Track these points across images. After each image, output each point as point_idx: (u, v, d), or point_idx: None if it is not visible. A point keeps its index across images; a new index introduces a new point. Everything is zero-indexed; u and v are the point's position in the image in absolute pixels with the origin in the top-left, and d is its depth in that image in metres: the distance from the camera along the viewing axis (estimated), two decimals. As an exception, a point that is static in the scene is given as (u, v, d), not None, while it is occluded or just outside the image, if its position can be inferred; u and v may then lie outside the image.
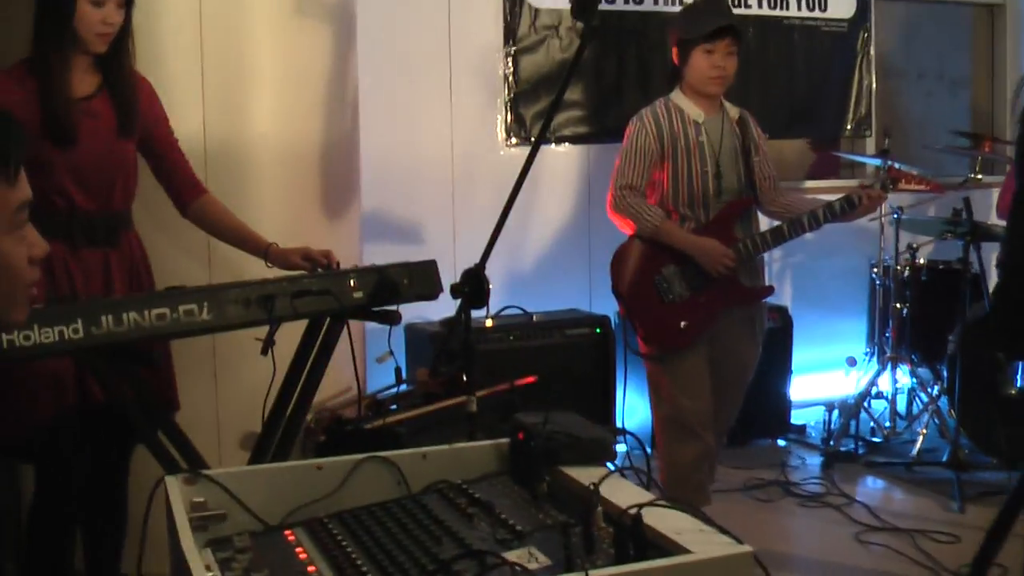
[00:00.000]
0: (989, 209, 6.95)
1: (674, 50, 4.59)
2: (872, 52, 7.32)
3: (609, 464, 2.27)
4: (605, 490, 2.07)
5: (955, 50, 8.48)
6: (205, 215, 3.81)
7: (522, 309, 5.67)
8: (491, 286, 3.18)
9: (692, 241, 4.46)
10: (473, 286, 3.15)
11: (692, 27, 4.51)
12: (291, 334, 3.58)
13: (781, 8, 6.93)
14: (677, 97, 4.60)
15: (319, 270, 3.59)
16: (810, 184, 7.20)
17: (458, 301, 3.20)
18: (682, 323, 4.48)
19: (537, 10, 6.22)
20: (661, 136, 4.49)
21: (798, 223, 4.49)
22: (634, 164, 4.49)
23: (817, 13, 7.04)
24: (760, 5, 6.84)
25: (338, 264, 3.68)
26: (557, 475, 2.24)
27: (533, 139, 6.11)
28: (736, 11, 6.71)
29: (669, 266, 4.50)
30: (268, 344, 3.29)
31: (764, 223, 4.75)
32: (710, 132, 4.54)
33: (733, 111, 4.66)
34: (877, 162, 6.10)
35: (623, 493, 2.08)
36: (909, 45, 8.71)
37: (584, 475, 2.19)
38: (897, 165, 5.29)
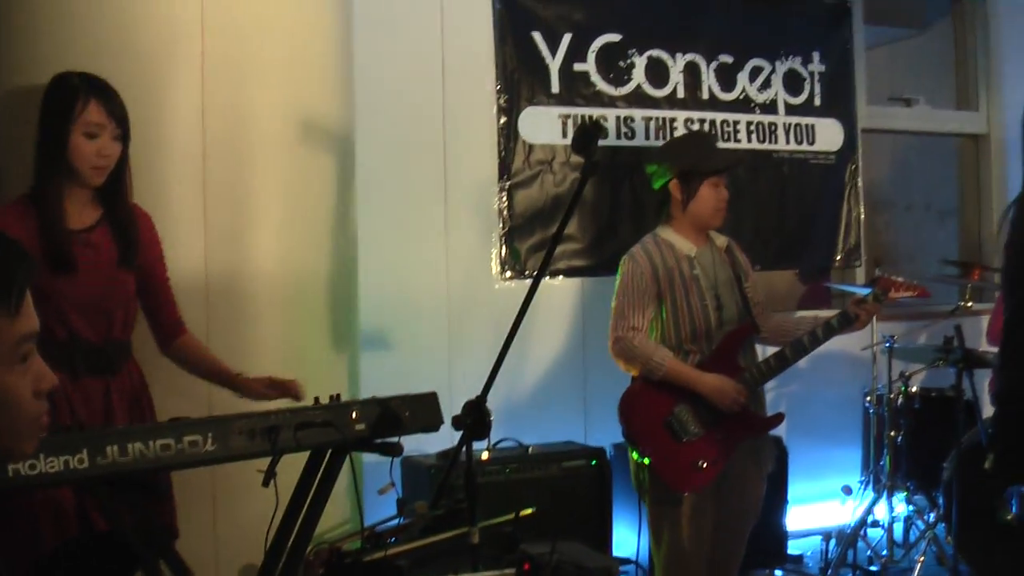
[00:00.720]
0: (980, 336, 7.01)
1: (674, 183, 4.56)
2: (860, 183, 7.43)
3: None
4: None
5: (942, 180, 8.62)
6: (184, 353, 3.89)
7: (518, 441, 5.69)
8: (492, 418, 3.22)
9: (704, 381, 4.41)
10: (475, 418, 3.19)
11: (702, 161, 4.53)
12: (291, 465, 3.59)
13: (770, 142, 7.05)
14: (665, 232, 4.59)
15: (318, 400, 3.61)
16: (801, 314, 7.25)
17: (458, 433, 3.23)
18: (701, 463, 4.39)
19: (531, 145, 6.32)
20: (656, 273, 4.47)
21: (799, 345, 4.48)
22: (634, 305, 4.46)
23: (805, 146, 7.15)
24: (750, 139, 6.95)
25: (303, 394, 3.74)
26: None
27: (527, 273, 6.20)
28: (726, 145, 6.85)
29: (679, 405, 4.44)
30: (270, 475, 3.30)
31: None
32: (704, 265, 4.54)
33: (720, 240, 4.68)
34: (867, 291, 6.16)
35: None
36: (897, 177, 8.87)
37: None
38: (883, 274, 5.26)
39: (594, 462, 5.66)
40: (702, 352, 4.49)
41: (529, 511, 4.73)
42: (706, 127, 6.81)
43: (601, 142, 6.30)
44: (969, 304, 6.46)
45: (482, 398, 3.20)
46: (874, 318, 6.43)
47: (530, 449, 5.71)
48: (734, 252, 4.70)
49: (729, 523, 4.57)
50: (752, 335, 4.64)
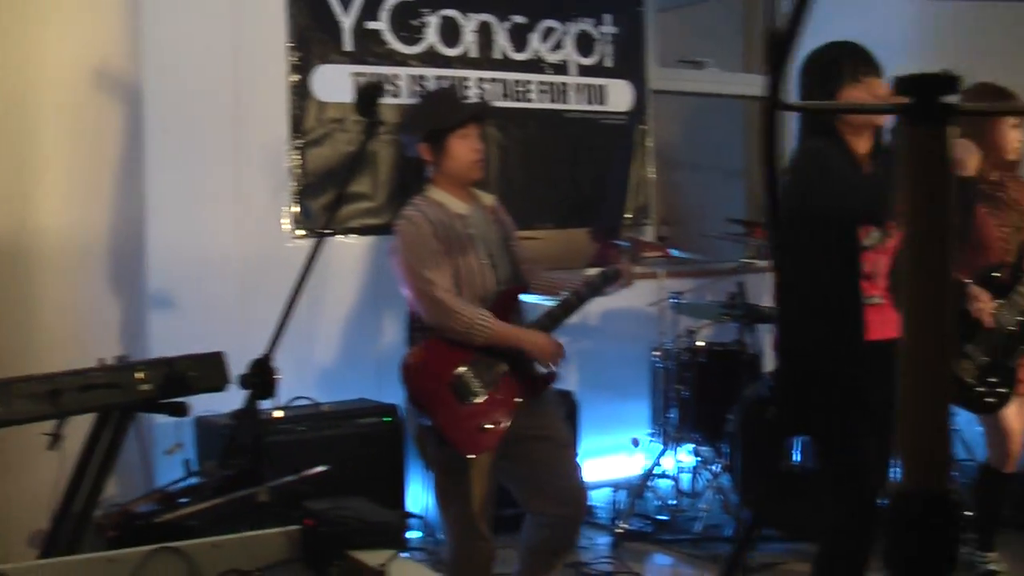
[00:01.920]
0: (763, 292, 7.24)
1: (423, 147, 4.46)
2: (650, 144, 7.58)
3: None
4: (394, 573, 2.11)
5: (731, 142, 8.84)
6: None
7: (312, 399, 5.68)
8: (280, 376, 3.21)
9: (529, 339, 4.41)
10: (261, 376, 3.18)
11: (442, 117, 4.46)
12: (79, 428, 3.54)
13: (562, 102, 7.13)
14: (434, 193, 4.49)
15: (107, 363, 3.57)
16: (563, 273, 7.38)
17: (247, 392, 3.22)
18: (486, 424, 4.33)
19: (324, 104, 6.28)
20: (436, 231, 4.36)
21: (578, 293, 4.53)
22: (430, 265, 4.33)
23: (597, 107, 7.27)
24: (541, 100, 7.03)
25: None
26: (347, 560, 2.27)
27: (320, 231, 6.18)
28: (517, 105, 6.92)
29: (463, 366, 4.36)
30: (56, 438, 3.26)
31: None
32: (477, 224, 4.49)
33: (487, 199, 4.63)
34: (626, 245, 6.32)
35: None
36: (687, 137, 9.06)
37: (373, 559, 2.23)
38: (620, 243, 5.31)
39: (387, 419, 5.69)
40: None
41: (320, 468, 4.75)
42: (498, 87, 6.87)
43: (394, 100, 6.40)
44: (753, 261, 6.67)
45: (268, 356, 3.19)
46: (664, 275, 6.63)
47: (324, 407, 5.71)
48: (500, 211, 4.68)
49: (549, 465, 4.48)
50: (520, 293, 4.61)
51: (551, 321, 4.53)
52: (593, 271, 4.55)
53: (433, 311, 4.32)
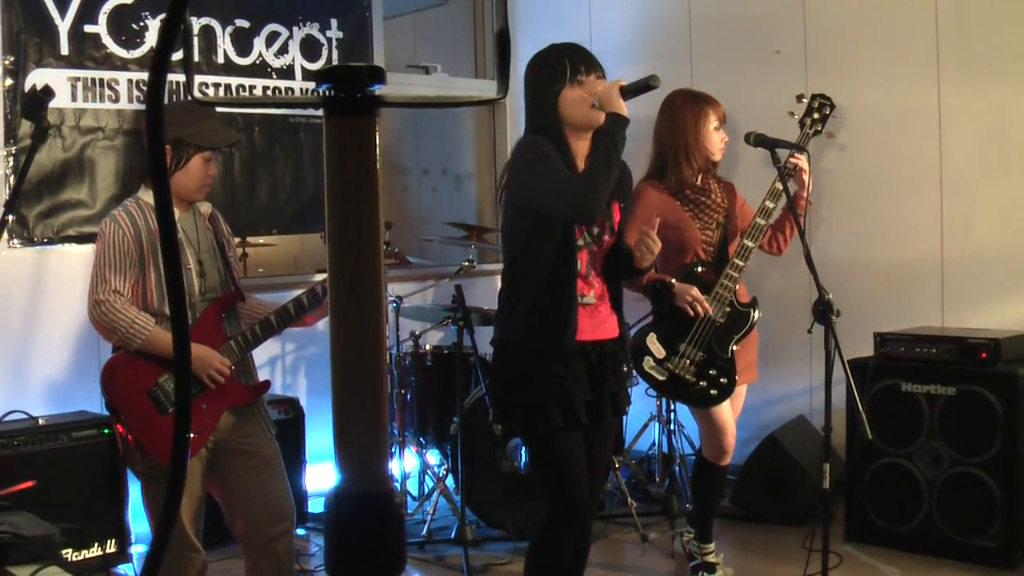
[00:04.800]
0: (484, 295, 7.36)
1: (167, 148, 4.28)
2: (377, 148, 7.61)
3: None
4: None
5: (460, 146, 8.96)
6: None
7: (27, 413, 5.53)
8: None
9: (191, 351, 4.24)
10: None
11: (201, 135, 4.35)
12: None
13: (286, 107, 7.12)
14: (147, 195, 4.40)
15: None
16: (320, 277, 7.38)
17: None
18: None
19: (38, 108, 6.12)
20: (139, 236, 4.27)
21: (284, 312, 4.45)
22: (115, 267, 4.25)
23: (322, 112, 7.24)
24: (264, 104, 7.00)
25: None
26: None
27: (36, 240, 6.04)
28: (243, 111, 6.88)
29: (164, 375, 4.28)
30: None
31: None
32: (187, 229, 4.40)
33: (204, 207, 4.54)
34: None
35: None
36: (415, 142, 9.14)
37: (24, 572, 2.19)
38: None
39: (106, 431, 5.58)
40: None
41: (28, 484, 4.62)
42: (221, 91, 6.81)
43: (113, 106, 6.28)
44: (472, 264, 6.77)
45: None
46: (385, 280, 6.64)
47: (40, 420, 5.57)
48: (218, 220, 4.60)
49: (252, 484, 4.42)
50: (236, 303, 4.55)
51: (265, 330, 4.47)
52: (303, 291, 4.50)
53: (95, 311, 4.26)
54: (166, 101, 5.86)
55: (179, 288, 1.18)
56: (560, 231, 4.09)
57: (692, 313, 5.04)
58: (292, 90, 7.13)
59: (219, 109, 6.59)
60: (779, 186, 4.99)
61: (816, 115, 5.26)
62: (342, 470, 1.35)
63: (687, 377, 5.11)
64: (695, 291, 5.04)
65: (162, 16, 6.46)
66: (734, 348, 5.14)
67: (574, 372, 4.11)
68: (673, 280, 5.06)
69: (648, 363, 5.15)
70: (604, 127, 4.06)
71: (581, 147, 4.19)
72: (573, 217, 4.06)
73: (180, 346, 1.21)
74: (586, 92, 4.12)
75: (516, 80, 8.29)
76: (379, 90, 1.33)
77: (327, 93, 1.32)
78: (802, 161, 5.10)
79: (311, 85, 6.01)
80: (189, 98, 5.84)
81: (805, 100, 5.31)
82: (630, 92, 4.09)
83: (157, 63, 1.12)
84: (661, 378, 5.15)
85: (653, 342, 5.15)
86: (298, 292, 4.55)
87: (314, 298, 4.46)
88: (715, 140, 5.21)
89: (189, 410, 1.24)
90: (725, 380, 5.13)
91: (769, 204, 5.07)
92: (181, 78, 6.36)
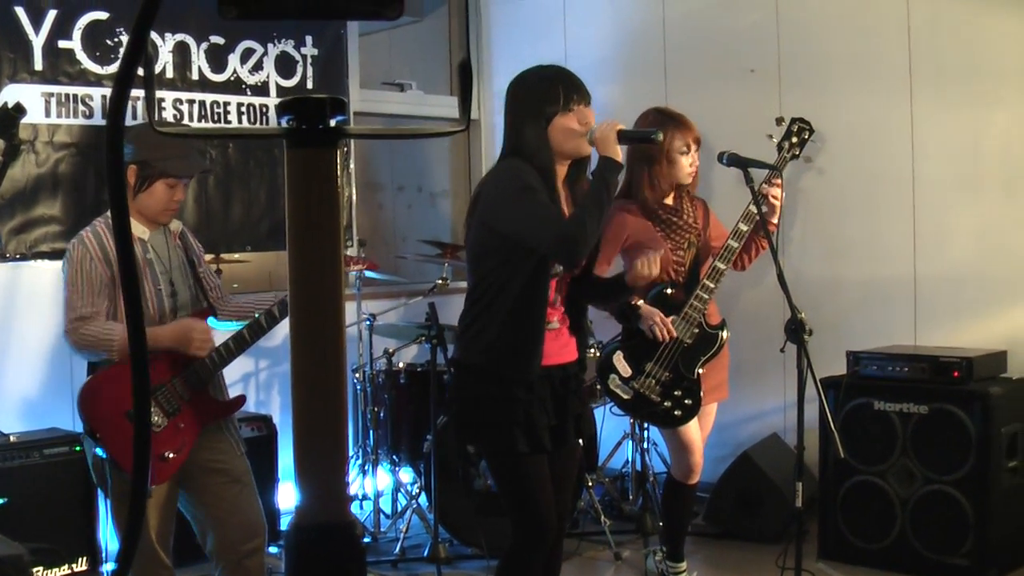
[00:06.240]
0: (459, 312, 7.33)
1: (132, 168, 4.27)
2: (351, 165, 7.63)
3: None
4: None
5: (435, 163, 8.96)
6: None
7: (-1, 431, 5.52)
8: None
9: (164, 333, 4.25)
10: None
11: (169, 161, 4.30)
12: None
13: (262, 123, 7.11)
14: None
15: None
16: (260, 295, 7.37)
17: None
18: (167, 453, 4.24)
19: (11, 124, 6.10)
20: (107, 257, 4.24)
21: (256, 326, 4.43)
22: (82, 292, 4.22)
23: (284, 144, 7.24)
24: (240, 121, 6.98)
25: None
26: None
27: (8, 256, 6.02)
28: (215, 124, 6.87)
29: None
30: None
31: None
32: (157, 248, 4.40)
33: (173, 225, 4.53)
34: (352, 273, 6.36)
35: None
36: (390, 159, 9.14)
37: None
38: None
39: (78, 448, 5.56)
40: None
41: (-1, 501, 4.60)
42: (195, 108, 6.80)
43: (87, 121, 6.26)
44: (446, 282, 6.77)
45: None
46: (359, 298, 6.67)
47: (11, 437, 5.54)
48: (187, 237, 4.61)
49: (220, 503, 4.40)
50: (208, 318, 4.50)
51: (239, 344, 4.44)
52: (272, 304, 4.49)
53: (70, 339, 4.27)
54: (137, 122, 5.88)
55: (137, 310, 1.19)
56: (535, 260, 4.04)
57: (652, 337, 5.04)
58: (267, 107, 7.12)
59: (195, 125, 6.63)
60: (753, 210, 4.98)
61: (795, 139, 5.28)
62: (303, 500, 1.35)
63: (652, 397, 5.12)
64: (659, 316, 5.04)
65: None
66: (700, 371, 5.14)
67: (538, 396, 4.09)
68: (640, 302, 5.06)
69: (614, 381, 5.15)
70: (597, 171, 4.02)
71: (559, 171, 4.17)
72: (558, 257, 4.03)
73: (138, 369, 1.21)
74: (577, 121, 4.07)
75: (490, 99, 8.38)
76: (341, 121, 1.33)
77: (289, 125, 1.31)
78: (776, 189, 5.10)
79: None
80: (143, 121, 5.79)
81: (784, 123, 5.32)
82: (626, 138, 4.08)
83: (119, 83, 1.12)
84: (626, 397, 5.16)
85: (620, 360, 5.15)
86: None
87: (284, 309, 4.43)
88: (683, 165, 5.16)
89: (148, 428, 1.24)
90: (690, 401, 5.13)
91: (743, 227, 5.07)
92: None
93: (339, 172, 1.35)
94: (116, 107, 1.15)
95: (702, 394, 5.15)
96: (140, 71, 1.17)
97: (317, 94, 1.36)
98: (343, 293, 1.36)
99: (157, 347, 4.25)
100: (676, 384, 5.12)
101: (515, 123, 4.16)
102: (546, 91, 4.08)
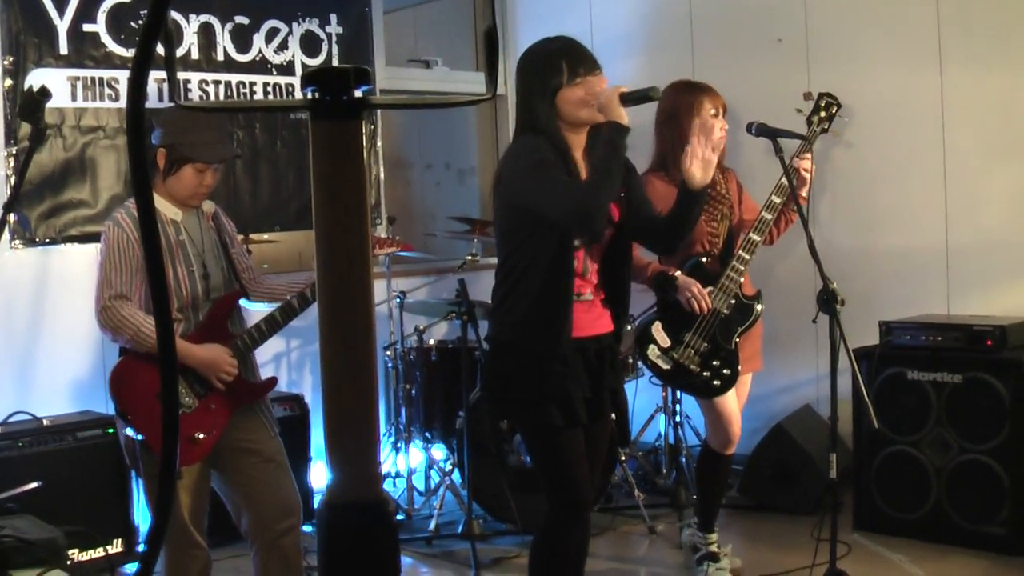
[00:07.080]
0: (489, 288, 7.32)
1: (161, 151, 4.27)
2: (380, 144, 7.61)
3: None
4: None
5: (462, 140, 8.94)
6: None
7: (32, 414, 5.53)
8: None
9: (195, 354, 4.25)
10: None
11: (194, 147, 4.29)
12: None
13: (288, 104, 7.12)
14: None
15: None
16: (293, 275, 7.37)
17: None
18: (198, 434, 4.22)
19: (38, 109, 6.11)
20: (140, 237, 4.23)
21: (288, 307, 4.41)
22: (120, 271, 4.20)
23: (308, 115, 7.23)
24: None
25: None
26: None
27: (38, 240, 6.04)
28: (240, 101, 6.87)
29: None
30: None
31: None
32: (190, 230, 4.38)
33: (207, 206, 4.52)
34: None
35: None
36: (417, 136, 9.13)
37: (30, 577, 2.19)
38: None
39: (111, 431, 5.59)
40: (189, 321, 4.34)
41: (32, 485, 4.61)
42: (221, 89, 6.80)
43: (114, 105, 6.27)
44: (476, 258, 6.76)
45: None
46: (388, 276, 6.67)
47: (45, 421, 5.57)
48: (220, 218, 4.59)
49: (256, 482, 4.38)
50: (238, 301, 4.51)
51: (271, 326, 4.43)
52: (304, 285, 4.48)
53: (102, 317, 4.22)
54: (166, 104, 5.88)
55: (163, 294, 1.18)
56: (558, 233, 4.03)
57: (689, 309, 5.03)
58: (292, 86, 7.12)
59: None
60: (785, 183, 4.96)
61: (823, 113, 5.24)
62: (334, 479, 1.34)
63: (691, 367, 5.10)
64: (696, 287, 5.02)
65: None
66: (737, 340, 5.13)
67: (573, 370, 4.08)
68: (677, 272, 5.05)
69: (653, 352, 5.13)
70: (605, 135, 4.00)
71: (578, 140, 4.13)
72: (574, 226, 4.01)
73: (166, 350, 1.21)
74: (586, 91, 4.04)
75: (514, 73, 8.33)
76: (366, 92, 1.31)
77: (312, 96, 1.29)
78: (806, 162, 5.07)
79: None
80: (172, 103, 5.78)
81: (813, 98, 5.29)
82: (630, 100, 4.04)
83: (138, 64, 1.11)
84: (666, 367, 5.14)
85: (658, 331, 5.14)
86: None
87: (316, 291, 4.41)
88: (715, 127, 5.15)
89: (177, 415, 1.24)
90: (728, 371, 5.12)
91: (776, 200, 5.04)
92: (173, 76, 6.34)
93: (365, 146, 1.33)
94: (136, 88, 1.14)
95: (739, 363, 5.14)
96: (161, 50, 1.16)
97: (343, 71, 1.33)
98: (371, 266, 1.35)
99: (184, 363, 4.25)
100: (714, 354, 5.10)
101: (525, 99, 4.14)
102: (550, 65, 4.05)
